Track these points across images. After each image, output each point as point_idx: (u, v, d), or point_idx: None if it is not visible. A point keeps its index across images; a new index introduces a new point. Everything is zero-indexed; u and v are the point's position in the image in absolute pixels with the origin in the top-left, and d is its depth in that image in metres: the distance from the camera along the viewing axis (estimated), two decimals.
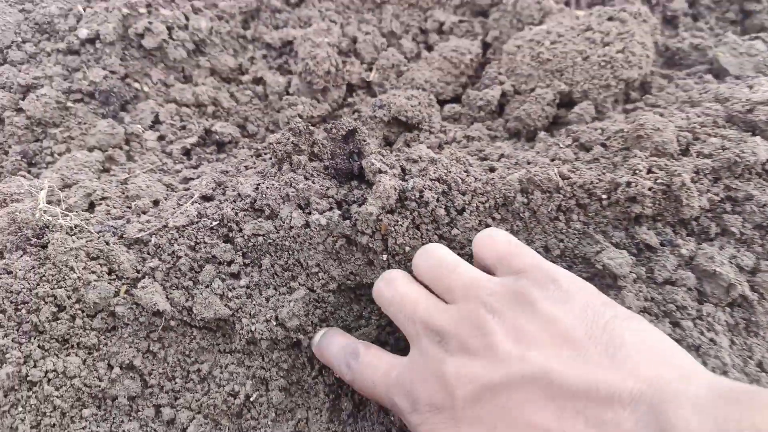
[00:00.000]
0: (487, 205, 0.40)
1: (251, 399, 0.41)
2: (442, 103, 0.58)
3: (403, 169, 0.44)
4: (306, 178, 0.45)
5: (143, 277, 0.41)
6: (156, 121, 0.59)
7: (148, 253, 0.42)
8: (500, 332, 0.28)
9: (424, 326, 0.31)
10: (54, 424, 0.37)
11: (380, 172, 0.43)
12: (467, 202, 0.40)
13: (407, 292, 0.34)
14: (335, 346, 0.39)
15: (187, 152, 0.57)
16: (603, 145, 0.40)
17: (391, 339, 0.43)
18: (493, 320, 0.29)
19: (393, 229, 0.40)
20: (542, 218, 0.39)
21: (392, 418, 0.40)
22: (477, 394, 0.27)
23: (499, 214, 0.40)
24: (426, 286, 0.35)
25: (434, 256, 0.35)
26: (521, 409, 0.25)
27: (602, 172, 0.38)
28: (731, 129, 0.40)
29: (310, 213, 0.43)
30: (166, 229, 0.43)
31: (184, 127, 0.58)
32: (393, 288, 0.35)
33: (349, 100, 0.61)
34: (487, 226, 0.40)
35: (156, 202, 0.47)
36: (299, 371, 0.43)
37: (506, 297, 0.29)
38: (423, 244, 0.40)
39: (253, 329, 0.41)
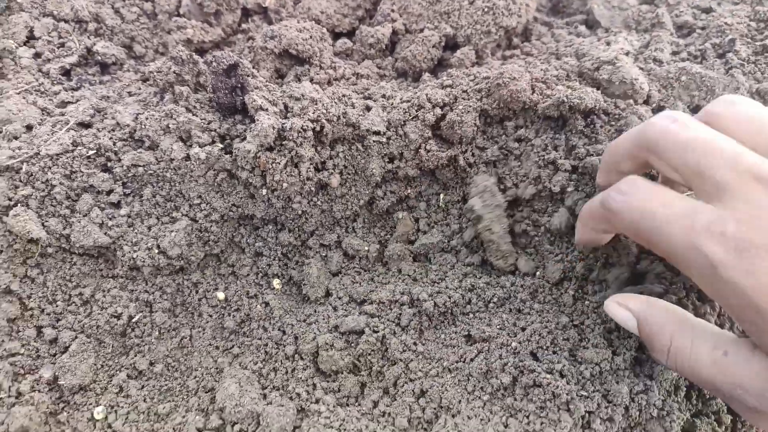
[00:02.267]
0: (353, 147, 0.44)
1: (134, 320, 0.44)
2: (336, 35, 0.58)
3: (285, 107, 0.46)
4: (188, 110, 0.46)
5: (15, 204, 0.42)
6: (31, 37, 0.55)
7: (20, 181, 0.42)
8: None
9: (759, 178, 0.25)
10: None
11: (261, 109, 0.44)
12: (339, 142, 0.43)
13: (715, 136, 0.27)
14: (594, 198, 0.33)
15: (66, 72, 0.54)
16: (465, 91, 0.44)
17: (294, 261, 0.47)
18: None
19: (271, 166, 0.43)
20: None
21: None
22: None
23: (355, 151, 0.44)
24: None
25: (751, 110, 0.29)
26: None
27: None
28: (579, 83, 0.45)
29: (191, 146, 0.45)
30: (38, 156, 0.43)
31: (62, 45, 0.55)
32: (689, 127, 0.28)
33: (244, 26, 0.60)
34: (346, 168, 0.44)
35: (29, 127, 0.46)
36: (184, 294, 0.46)
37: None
38: (301, 181, 0.43)
39: (134, 257, 0.43)
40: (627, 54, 0.47)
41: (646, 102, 0.44)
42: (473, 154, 0.46)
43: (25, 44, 0.55)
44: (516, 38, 0.56)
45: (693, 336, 0.30)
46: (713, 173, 0.26)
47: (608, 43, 0.49)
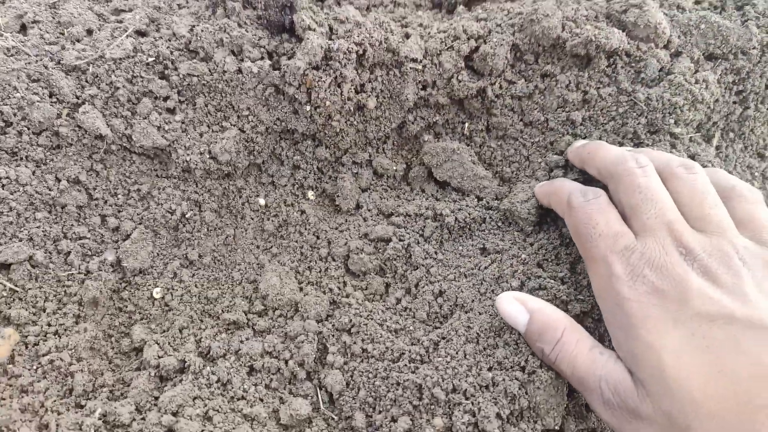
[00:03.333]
0: (390, 72, 0.48)
1: (186, 216, 0.49)
2: None
3: (330, 29, 0.49)
4: (240, 26, 0.49)
5: (83, 103, 0.46)
6: None
7: (87, 81, 0.46)
8: (750, 281, 0.29)
9: (671, 232, 0.32)
10: (11, 222, 0.43)
11: (309, 29, 0.47)
12: (378, 66, 0.47)
13: (660, 190, 0.34)
14: (572, 184, 0.41)
15: None
16: (498, 25, 0.48)
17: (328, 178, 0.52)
18: (743, 268, 0.30)
19: (317, 84, 0.46)
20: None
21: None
22: (712, 315, 0.28)
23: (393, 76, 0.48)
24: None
25: (700, 181, 0.35)
26: (755, 348, 0.27)
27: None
28: (606, 24, 0.48)
29: (242, 60, 0.48)
30: (103, 59, 0.46)
31: None
32: (647, 176, 0.35)
33: None
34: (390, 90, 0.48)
35: (89, 32, 0.49)
36: (229, 198, 0.51)
37: (758, 259, 0.31)
38: (342, 100, 0.48)
39: (188, 159, 0.48)
40: None
41: (666, 47, 0.47)
42: (501, 87, 0.50)
43: None
44: None
45: (580, 335, 0.35)
46: (643, 215, 0.34)
47: None
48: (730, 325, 0.28)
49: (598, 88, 0.48)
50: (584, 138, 0.48)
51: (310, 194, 0.53)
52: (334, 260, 0.49)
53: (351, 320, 0.44)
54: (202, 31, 0.48)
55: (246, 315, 0.46)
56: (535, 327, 0.36)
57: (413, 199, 0.52)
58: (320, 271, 0.49)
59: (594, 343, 0.35)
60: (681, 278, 0.30)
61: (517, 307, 0.37)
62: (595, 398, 0.33)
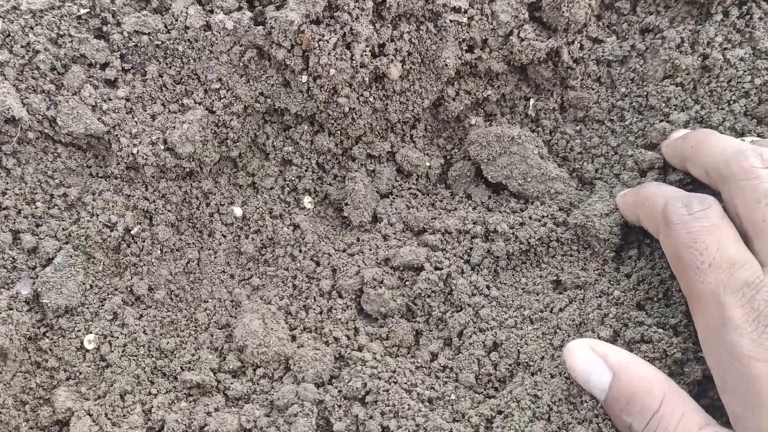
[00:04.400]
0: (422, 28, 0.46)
1: (132, 233, 0.48)
2: None
3: None
4: None
5: None
6: None
7: None
8: None
9: None
10: None
11: None
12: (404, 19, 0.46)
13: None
14: (667, 188, 0.41)
15: None
16: None
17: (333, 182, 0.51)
18: None
19: (317, 45, 0.45)
20: None
21: None
22: None
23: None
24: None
25: None
26: None
27: None
28: None
29: (212, 11, 0.47)
30: (18, 12, 0.45)
31: None
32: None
33: None
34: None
35: None
36: (192, 207, 0.50)
37: None
38: (353, 67, 0.46)
39: (134, 152, 0.47)
40: None
41: None
42: (582, 47, 0.48)
43: None
44: None
45: (685, 406, 0.34)
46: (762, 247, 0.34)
47: None
48: None
49: (725, 49, 0.46)
50: (698, 123, 0.46)
51: (307, 201, 0.52)
52: (341, 296, 0.48)
53: (365, 384, 0.42)
54: None
55: (215, 375, 0.45)
56: (619, 392, 0.35)
57: (455, 209, 0.50)
58: (321, 312, 0.47)
59: (706, 420, 0.34)
60: None
61: (593, 360, 0.36)
62: None
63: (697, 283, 0.34)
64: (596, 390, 0.36)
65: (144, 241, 0.49)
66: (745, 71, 0.45)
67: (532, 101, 0.51)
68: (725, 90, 0.46)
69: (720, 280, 0.33)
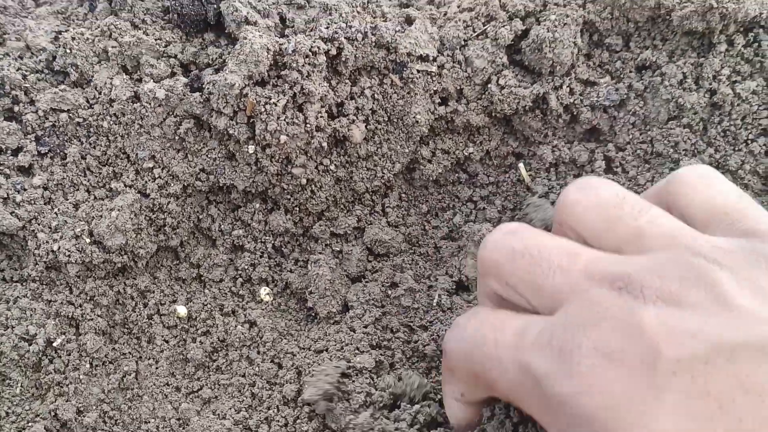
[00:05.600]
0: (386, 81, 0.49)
1: (54, 345, 0.49)
2: None
3: (282, 19, 0.51)
4: (135, 26, 0.51)
5: None
6: None
7: None
8: (733, 285, 0.32)
9: (591, 276, 0.35)
10: None
11: (247, 22, 0.49)
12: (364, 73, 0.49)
13: (552, 241, 0.38)
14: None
15: None
16: None
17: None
18: (720, 271, 0.32)
19: (263, 110, 0.47)
20: None
21: None
22: (705, 355, 0.30)
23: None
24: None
25: (602, 190, 0.38)
26: None
27: None
28: None
29: (140, 80, 0.50)
30: None
31: None
32: (521, 238, 0.38)
33: None
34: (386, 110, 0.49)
35: None
36: (126, 309, 0.51)
37: (736, 254, 0.33)
38: (307, 132, 0.48)
39: (55, 249, 0.48)
40: None
41: None
42: (573, 92, 0.51)
43: None
44: None
45: None
46: (544, 283, 0.36)
47: None
48: (733, 362, 0.30)
49: (734, 82, 0.48)
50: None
51: (264, 293, 0.53)
52: (308, 404, 0.48)
53: None
54: (74, 39, 0.50)
55: None
56: None
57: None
58: (286, 425, 0.48)
59: None
60: (631, 325, 0.32)
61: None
62: None
63: (498, 374, 0.37)
64: None
65: (69, 355, 0.49)
66: (759, 105, 0.48)
67: (522, 165, 0.53)
68: (740, 128, 0.48)
69: (514, 347, 0.36)
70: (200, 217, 0.53)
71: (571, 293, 0.35)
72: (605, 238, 0.37)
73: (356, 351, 0.49)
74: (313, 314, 0.53)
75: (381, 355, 0.49)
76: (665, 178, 0.40)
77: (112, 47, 0.49)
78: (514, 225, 0.40)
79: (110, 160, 0.50)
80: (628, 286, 0.33)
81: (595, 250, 0.37)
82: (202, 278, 0.53)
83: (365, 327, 0.50)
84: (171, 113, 0.49)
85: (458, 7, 0.52)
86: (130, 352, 0.51)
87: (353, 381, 0.47)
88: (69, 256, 0.48)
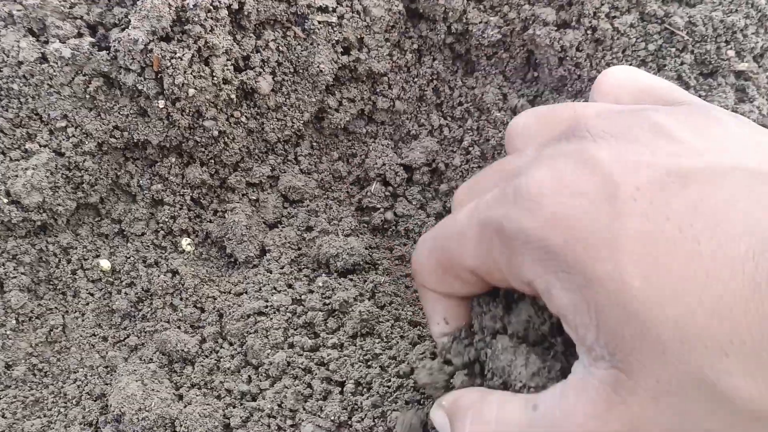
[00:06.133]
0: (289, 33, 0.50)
1: None
2: None
3: None
4: None
5: None
6: None
7: None
8: (679, 125, 0.33)
9: (542, 143, 0.37)
10: None
11: None
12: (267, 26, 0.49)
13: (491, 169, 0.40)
14: None
15: None
16: None
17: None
18: (658, 114, 0.34)
19: (170, 64, 0.47)
20: None
21: None
22: (660, 181, 0.31)
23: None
24: None
25: (532, 113, 0.41)
26: (733, 202, 0.30)
27: None
28: None
29: (47, 41, 0.49)
30: None
31: None
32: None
33: None
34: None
35: None
36: (50, 266, 0.51)
37: (676, 109, 0.35)
38: (215, 85, 0.48)
39: None
40: None
41: None
42: (466, 33, 0.52)
43: None
44: None
45: (498, 402, 0.36)
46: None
47: None
48: (689, 186, 0.31)
49: (613, 17, 0.50)
50: None
51: (185, 242, 0.53)
52: (230, 343, 0.49)
53: None
54: None
55: None
56: (454, 427, 0.39)
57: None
58: (209, 367, 0.48)
59: (522, 400, 0.36)
60: (585, 159, 0.32)
61: (438, 416, 0.40)
62: None
63: (461, 249, 0.38)
64: None
65: None
66: (637, 38, 0.49)
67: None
68: (621, 61, 0.50)
69: (470, 209, 0.38)
70: (118, 173, 0.53)
71: (524, 166, 0.35)
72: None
73: (273, 290, 0.50)
74: (233, 260, 0.53)
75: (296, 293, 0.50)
76: (594, 85, 0.41)
77: (17, 10, 0.49)
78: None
79: (23, 122, 0.49)
80: (575, 131, 0.34)
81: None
82: (124, 233, 0.53)
83: (281, 268, 0.51)
84: (79, 72, 0.49)
85: None
86: (56, 307, 0.51)
87: (271, 318, 0.48)
88: None
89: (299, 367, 0.46)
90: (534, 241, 0.32)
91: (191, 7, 0.47)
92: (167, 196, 0.53)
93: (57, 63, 0.48)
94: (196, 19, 0.47)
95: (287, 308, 0.49)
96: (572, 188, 0.32)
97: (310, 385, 0.46)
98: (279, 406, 0.45)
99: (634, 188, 0.31)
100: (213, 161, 0.53)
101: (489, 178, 0.39)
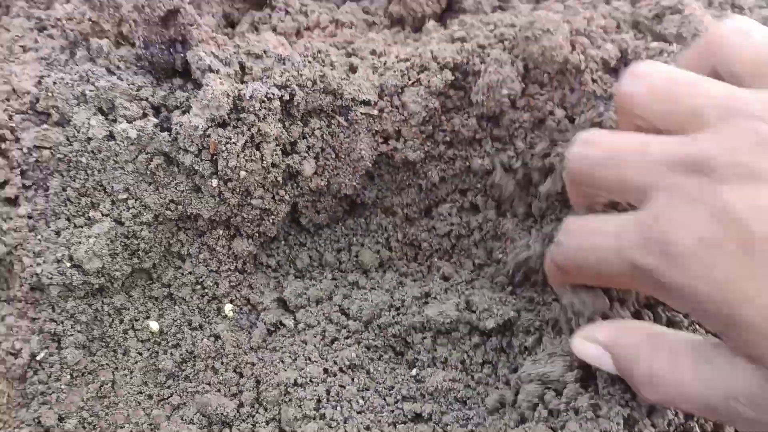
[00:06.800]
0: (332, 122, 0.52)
1: (38, 358, 0.50)
2: None
3: (242, 67, 0.53)
4: (110, 72, 0.53)
5: None
6: None
7: None
8: None
9: (668, 164, 0.35)
10: None
11: (210, 70, 0.51)
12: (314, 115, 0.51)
13: (623, 140, 0.38)
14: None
15: None
16: (481, 46, 0.52)
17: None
18: None
19: (225, 148, 0.49)
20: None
21: None
22: None
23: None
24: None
25: (653, 76, 0.39)
26: None
27: None
28: (635, 36, 0.53)
29: (115, 120, 0.51)
30: None
31: None
32: (597, 145, 0.39)
33: None
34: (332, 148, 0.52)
35: None
36: (104, 325, 0.53)
37: None
38: (264, 168, 0.50)
39: (38, 272, 0.50)
40: None
41: None
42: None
43: None
44: None
45: (671, 353, 0.37)
46: (625, 187, 0.38)
47: None
48: None
49: None
50: None
51: (228, 308, 0.55)
52: (265, 410, 0.50)
53: None
54: (55, 83, 0.51)
55: None
56: (622, 373, 0.39)
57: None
58: (246, 431, 0.50)
59: (696, 352, 0.36)
60: (717, 208, 0.33)
61: (592, 350, 0.41)
62: (736, 422, 0.36)
63: (609, 273, 0.39)
64: (611, 371, 0.40)
65: (52, 367, 0.51)
66: None
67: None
68: None
69: (615, 249, 0.38)
70: (170, 242, 0.54)
71: (652, 185, 0.36)
72: (667, 121, 0.37)
73: (308, 361, 0.52)
74: (273, 328, 0.55)
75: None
76: (702, 38, 0.40)
77: (90, 91, 0.51)
78: (585, 134, 0.41)
79: (88, 192, 0.51)
80: (703, 169, 0.34)
81: (661, 136, 0.37)
82: (173, 296, 0.55)
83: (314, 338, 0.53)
84: (143, 150, 0.51)
85: (396, 57, 0.54)
86: (107, 364, 0.53)
87: (305, 389, 0.50)
88: (51, 278, 0.50)
89: None
90: (684, 293, 0.34)
91: (248, 98, 0.49)
92: (213, 264, 0.55)
93: (123, 142, 0.50)
94: (251, 109, 0.49)
95: (320, 379, 0.50)
96: (710, 242, 0.32)
97: None
98: None
99: (766, 238, 0.31)
100: (257, 234, 0.55)
101: (612, 187, 0.39)
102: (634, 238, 0.36)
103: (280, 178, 0.52)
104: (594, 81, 0.52)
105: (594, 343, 0.40)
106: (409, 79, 0.53)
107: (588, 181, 0.40)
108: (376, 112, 0.53)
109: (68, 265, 0.50)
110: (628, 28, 0.53)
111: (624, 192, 0.38)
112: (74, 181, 0.51)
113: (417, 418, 0.49)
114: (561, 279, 0.44)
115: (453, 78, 0.53)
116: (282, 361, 0.52)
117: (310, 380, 0.50)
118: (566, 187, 0.46)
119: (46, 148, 0.51)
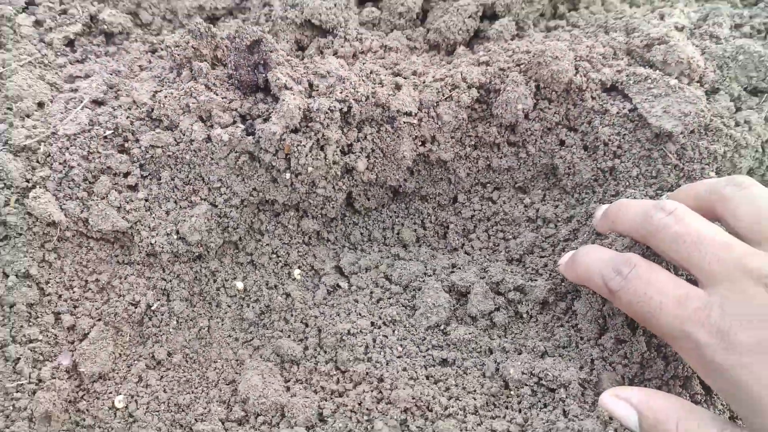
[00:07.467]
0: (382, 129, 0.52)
1: (152, 308, 0.53)
2: (362, 2, 0.66)
3: (310, 85, 0.54)
4: (208, 88, 0.54)
5: (34, 186, 0.50)
6: (30, 2, 0.64)
7: (38, 162, 0.51)
8: None
9: (743, 269, 0.34)
10: None
11: (286, 88, 0.52)
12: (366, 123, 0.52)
13: (705, 228, 0.36)
14: (596, 255, 0.42)
15: (70, 43, 0.63)
16: (502, 69, 0.52)
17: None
18: None
19: (296, 149, 0.51)
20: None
21: None
22: None
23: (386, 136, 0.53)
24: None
25: (758, 194, 0.37)
26: None
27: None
28: (629, 62, 0.52)
29: (212, 126, 0.53)
30: (56, 136, 0.51)
31: (65, 12, 0.64)
32: (682, 220, 0.37)
33: None
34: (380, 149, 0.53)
35: (41, 105, 0.55)
36: (202, 283, 0.55)
37: None
38: (326, 165, 0.52)
39: (153, 242, 0.52)
40: (681, 29, 0.54)
41: (699, 82, 0.51)
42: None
43: (24, 10, 0.64)
44: (562, 6, 0.64)
45: (699, 421, 0.35)
46: (701, 263, 0.35)
47: (662, 17, 0.56)
48: None
49: (623, 135, 0.51)
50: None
51: (297, 272, 0.57)
52: (325, 352, 0.52)
53: (347, 426, 0.46)
54: (166, 97, 0.53)
55: (223, 424, 0.49)
56: (646, 425, 0.37)
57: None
58: (309, 368, 0.51)
59: (720, 426, 0.35)
60: None
61: (623, 408, 0.38)
62: None
63: (662, 327, 0.36)
64: (633, 428, 0.38)
65: (163, 315, 0.53)
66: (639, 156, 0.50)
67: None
68: (629, 170, 0.51)
69: (675, 315, 0.35)
70: (253, 221, 0.56)
71: (725, 278, 0.34)
72: (753, 231, 0.36)
73: (359, 315, 0.53)
74: (332, 288, 0.56)
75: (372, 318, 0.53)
76: (719, 182, 0.39)
77: (192, 103, 0.53)
78: (669, 204, 0.38)
79: (191, 182, 0.53)
80: (760, 278, 0.33)
81: (744, 244, 0.35)
82: (254, 262, 0.57)
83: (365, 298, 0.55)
84: (232, 150, 0.52)
85: (433, 77, 0.55)
86: (204, 313, 0.55)
87: (356, 337, 0.51)
88: (162, 247, 0.52)
89: (375, 378, 0.49)
90: (728, 374, 0.33)
91: (315, 110, 0.50)
92: (286, 238, 0.57)
93: (218, 143, 0.52)
94: (317, 119, 0.50)
95: (368, 330, 0.52)
96: (757, 343, 0.32)
97: (381, 391, 0.48)
98: (359, 404, 0.48)
99: None
100: (321, 216, 0.56)
101: (686, 261, 0.37)
102: (694, 314, 0.34)
103: (339, 173, 0.53)
104: (593, 98, 0.52)
105: (625, 401, 0.38)
106: (443, 95, 0.53)
107: (661, 247, 0.38)
108: (416, 122, 0.53)
109: (175, 237, 0.52)
110: (622, 54, 0.52)
111: (694, 269, 0.36)
112: (180, 173, 0.53)
113: (443, 362, 0.50)
114: (602, 295, 0.42)
115: (478, 95, 0.53)
116: (338, 315, 0.54)
117: (360, 331, 0.51)
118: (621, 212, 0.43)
119: (158, 147, 0.52)
